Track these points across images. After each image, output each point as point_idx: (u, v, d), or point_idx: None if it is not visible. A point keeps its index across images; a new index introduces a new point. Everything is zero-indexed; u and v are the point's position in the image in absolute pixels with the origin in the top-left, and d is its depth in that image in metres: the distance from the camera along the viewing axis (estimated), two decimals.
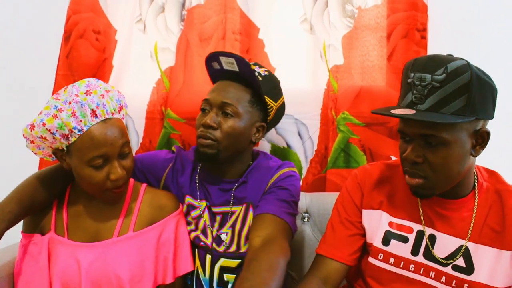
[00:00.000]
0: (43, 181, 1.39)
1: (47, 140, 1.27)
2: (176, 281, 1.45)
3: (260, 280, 1.17)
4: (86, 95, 1.27)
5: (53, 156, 1.37)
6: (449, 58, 1.15)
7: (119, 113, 1.35)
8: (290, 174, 1.53)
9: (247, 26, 1.94)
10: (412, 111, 1.13)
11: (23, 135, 1.31)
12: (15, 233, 1.38)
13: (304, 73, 1.93)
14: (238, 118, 1.46)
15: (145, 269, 1.40)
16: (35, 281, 1.38)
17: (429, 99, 1.12)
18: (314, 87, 1.91)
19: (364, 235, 1.40)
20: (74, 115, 1.25)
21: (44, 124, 1.24)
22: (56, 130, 1.24)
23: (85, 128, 1.26)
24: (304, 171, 1.92)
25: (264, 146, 1.91)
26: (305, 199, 1.78)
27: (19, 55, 2.15)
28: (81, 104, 1.25)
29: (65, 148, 1.29)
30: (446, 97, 1.11)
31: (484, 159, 1.30)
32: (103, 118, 1.29)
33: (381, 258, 1.34)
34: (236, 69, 1.46)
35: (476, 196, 1.27)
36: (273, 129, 1.86)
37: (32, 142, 1.31)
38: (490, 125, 1.22)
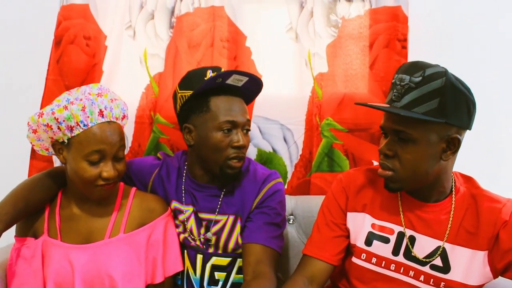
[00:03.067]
0: (37, 185, 1.42)
1: (51, 129, 1.32)
2: (165, 281, 1.48)
3: None
4: (97, 96, 1.35)
5: (49, 150, 1.42)
6: (430, 65, 1.23)
7: (122, 120, 1.42)
8: (277, 188, 1.56)
9: (234, 34, 1.98)
10: (385, 105, 1.25)
11: (28, 123, 1.36)
12: (5, 235, 1.40)
13: (289, 80, 1.98)
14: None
15: (136, 269, 1.43)
16: (29, 283, 1.40)
17: (405, 97, 1.21)
18: (299, 93, 1.96)
19: (348, 236, 1.44)
20: (84, 110, 1.32)
21: (53, 113, 1.30)
22: (63, 121, 1.30)
23: (90, 124, 1.32)
24: (289, 175, 1.96)
25: (250, 150, 1.93)
26: (290, 202, 1.82)
27: (8, 58, 2.16)
28: (92, 102, 1.33)
29: (65, 141, 1.34)
30: (420, 97, 1.20)
31: None
32: (108, 120, 1.36)
33: (364, 258, 1.39)
34: (240, 84, 1.49)
35: (453, 200, 1.33)
36: (259, 134, 1.91)
37: (34, 132, 1.37)
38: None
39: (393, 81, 1.26)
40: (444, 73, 1.20)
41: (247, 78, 1.48)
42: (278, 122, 1.95)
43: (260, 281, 1.40)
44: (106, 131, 1.34)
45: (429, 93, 1.19)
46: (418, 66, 1.22)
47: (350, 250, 1.45)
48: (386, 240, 1.37)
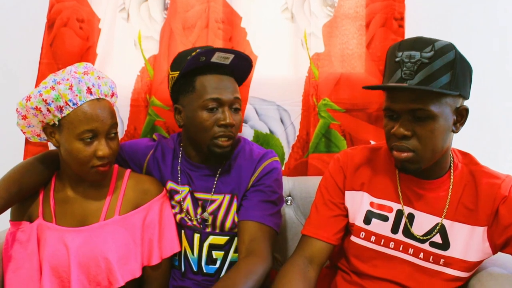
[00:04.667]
0: (30, 169, 1.42)
1: (41, 112, 1.31)
2: (162, 262, 1.48)
3: (231, 282, 1.29)
4: (84, 74, 1.34)
5: (41, 135, 1.41)
6: (435, 39, 1.21)
7: (111, 98, 1.42)
8: (273, 166, 1.55)
9: (229, 15, 1.96)
10: (402, 85, 1.19)
11: (17, 109, 1.35)
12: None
13: (285, 61, 1.96)
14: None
15: (132, 251, 1.43)
16: (25, 267, 1.40)
17: (419, 74, 1.18)
18: (296, 74, 1.94)
19: (346, 215, 1.44)
20: (71, 88, 1.31)
21: (41, 95, 1.29)
22: (52, 101, 1.29)
23: (79, 103, 1.32)
24: (286, 156, 1.95)
25: (247, 132, 1.94)
26: (288, 183, 1.81)
27: (1, 41, 2.15)
28: (79, 80, 1.32)
29: (56, 122, 1.33)
30: (434, 72, 1.17)
31: None
32: (97, 97, 1.35)
33: (363, 236, 1.39)
34: (227, 62, 1.48)
35: (452, 177, 1.32)
36: (255, 115, 1.90)
37: (24, 117, 1.35)
38: None
39: (396, 59, 1.22)
40: (452, 46, 1.20)
41: (232, 55, 1.47)
42: (274, 103, 1.94)
43: (251, 259, 1.39)
44: (96, 108, 1.34)
45: (443, 66, 1.17)
46: (425, 41, 1.20)
47: (349, 229, 1.45)
48: (385, 218, 1.37)
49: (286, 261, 1.40)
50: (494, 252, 1.31)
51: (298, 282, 1.32)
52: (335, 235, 1.42)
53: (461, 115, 1.25)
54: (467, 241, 1.29)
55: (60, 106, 1.30)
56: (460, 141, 1.44)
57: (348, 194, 1.43)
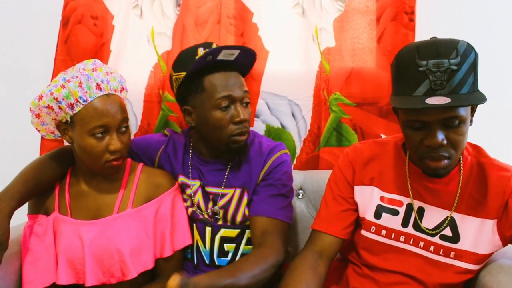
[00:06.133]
0: (45, 165, 1.45)
1: (53, 110, 1.34)
2: (175, 255, 1.50)
3: (237, 267, 1.34)
4: (93, 71, 1.37)
5: (55, 133, 1.44)
6: (452, 41, 1.17)
7: (120, 92, 1.44)
8: (282, 159, 1.57)
9: (241, 11, 1.97)
10: (444, 99, 1.12)
11: (30, 109, 1.38)
12: (18, 214, 1.42)
13: (297, 55, 1.96)
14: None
15: (144, 243, 1.45)
16: (42, 259, 1.43)
17: (450, 83, 1.13)
18: (307, 69, 1.95)
19: (356, 210, 1.44)
20: (81, 86, 1.33)
21: (52, 93, 1.33)
22: (63, 99, 1.32)
23: (89, 99, 1.34)
24: (298, 150, 1.96)
25: (259, 126, 1.96)
26: (299, 177, 1.83)
27: (17, 41, 2.17)
28: (88, 77, 1.35)
29: (68, 120, 1.36)
30: (463, 78, 1.14)
31: None
32: (107, 93, 1.38)
33: (373, 230, 1.40)
34: (232, 58, 1.48)
35: (461, 170, 1.32)
36: (267, 110, 1.91)
37: (37, 116, 1.39)
38: None
39: (421, 68, 1.15)
40: (470, 45, 1.18)
41: (238, 51, 1.47)
42: (286, 97, 1.95)
43: (262, 249, 1.43)
44: (107, 104, 1.36)
45: (468, 70, 1.15)
46: (447, 46, 1.16)
47: (359, 223, 1.45)
48: (395, 213, 1.37)
49: (296, 256, 1.42)
50: (504, 245, 1.31)
51: (308, 275, 1.33)
52: (345, 230, 1.42)
53: (473, 109, 1.24)
54: (477, 234, 1.30)
55: (71, 103, 1.33)
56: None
57: (358, 189, 1.43)
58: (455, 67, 1.13)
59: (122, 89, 1.44)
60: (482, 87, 1.19)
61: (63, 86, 1.33)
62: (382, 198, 1.40)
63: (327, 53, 1.92)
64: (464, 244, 1.31)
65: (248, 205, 1.55)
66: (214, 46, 1.51)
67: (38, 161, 1.46)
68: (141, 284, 1.47)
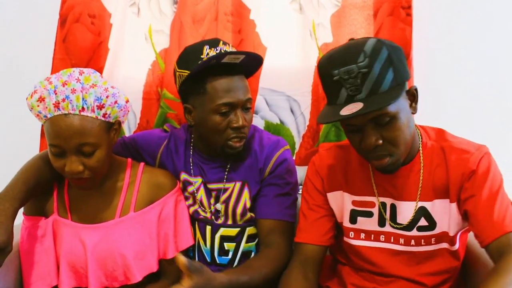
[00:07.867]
0: (46, 161, 1.39)
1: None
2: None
3: (248, 269, 1.41)
4: (62, 86, 1.27)
5: None
6: (359, 43, 1.17)
7: (93, 111, 1.30)
8: (284, 157, 1.57)
9: (238, 7, 1.97)
10: (358, 104, 1.12)
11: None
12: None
13: (294, 51, 1.97)
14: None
15: (148, 246, 1.44)
16: (42, 261, 1.43)
17: (365, 86, 1.13)
18: (305, 64, 1.95)
19: (333, 215, 1.45)
20: (43, 101, 1.28)
21: (27, 98, 1.30)
22: (31, 109, 1.31)
23: (48, 116, 1.28)
24: (297, 146, 1.97)
25: (257, 122, 1.95)
26: (299, 173, 1.79)
27: (15, 40, 2.17)
28: (49, 93, 1.27)
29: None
30: (378, 77, 1.13)
31: None
32: (66, 112, 1.27)
33: (352, 236, 1.41)
34: (237, 61, 1.46)
35: (422, 157, 1.32)
36: (266, 106, 1.92)
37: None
38: None
39: (335, 78, 1.15)
40: (379, 41, 1.17)
41: (243, 56, 1.46)
42: (284, 93, 1.96)
43: (270, 251, 1.46)
44: (60, 125, 1.26)
45: (382, 67, 1.13)
46: (353, 50, 1.15)
47: (341, 227, 1.46)
48: (369, 214, 1.38)
49: (286, 269, 1.43)
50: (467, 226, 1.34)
51: (301, 282, 1.37)
52: (325, 236, 1.43)
53: (413, 95, 1.24)
54: (448, 215, 1.31)
55: (36, 114, 1.31)
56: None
57: (330, 196, 1.43)
58: (365, 70, 1.12)
59: (101, 107, 1.30)
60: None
61: (31, 96, 1.30)
62: (354, 202, 1.40)
63: (324, 49, 1.92)
64: (442, 227, 1.32)
65: (250, 198, 1.56)
66: (221, 43, 1.50)
67: (37, 159, 1.42)
68: (144, 285, 1.46)
